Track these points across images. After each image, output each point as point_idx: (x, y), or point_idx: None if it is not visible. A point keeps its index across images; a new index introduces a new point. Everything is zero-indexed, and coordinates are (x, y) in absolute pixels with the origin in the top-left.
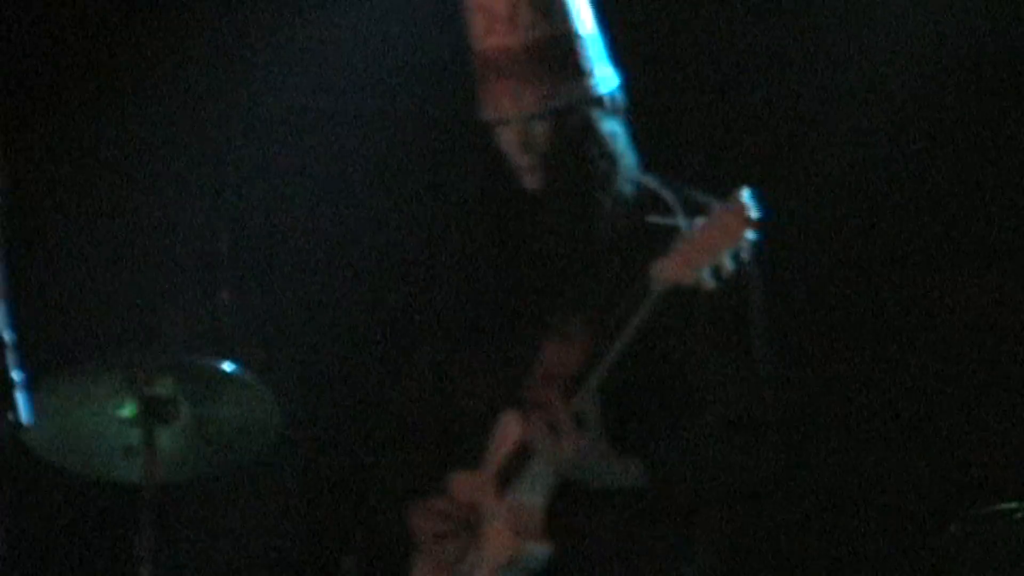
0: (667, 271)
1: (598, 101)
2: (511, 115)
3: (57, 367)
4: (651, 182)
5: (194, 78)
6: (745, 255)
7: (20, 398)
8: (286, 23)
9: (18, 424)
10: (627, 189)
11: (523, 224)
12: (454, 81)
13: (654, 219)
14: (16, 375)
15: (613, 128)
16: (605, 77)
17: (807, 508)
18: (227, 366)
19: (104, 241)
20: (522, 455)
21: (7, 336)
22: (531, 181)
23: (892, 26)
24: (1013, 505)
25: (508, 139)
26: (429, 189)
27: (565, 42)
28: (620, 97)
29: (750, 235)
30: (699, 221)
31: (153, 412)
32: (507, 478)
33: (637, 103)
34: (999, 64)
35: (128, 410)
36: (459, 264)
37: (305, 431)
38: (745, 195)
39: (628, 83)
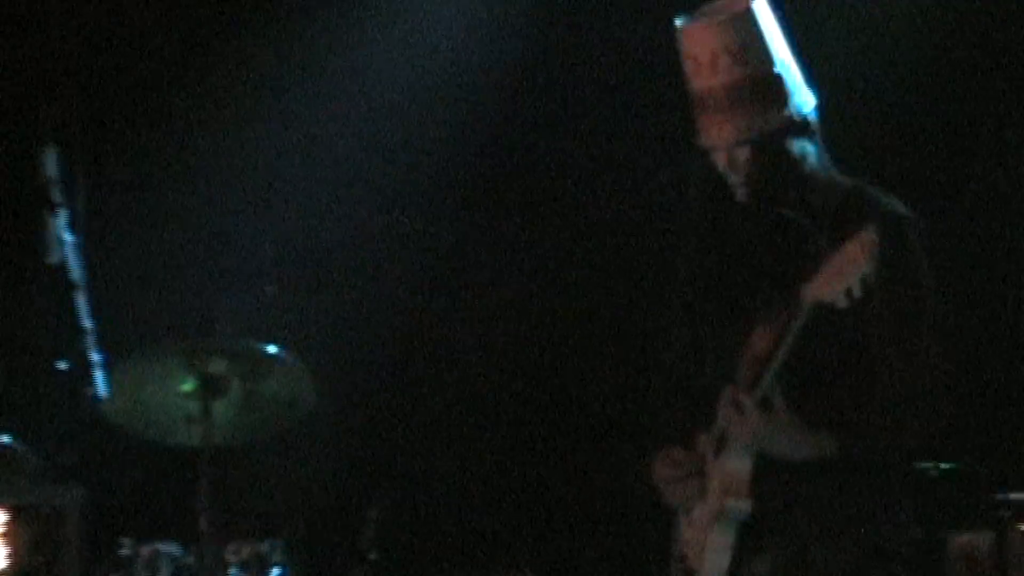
0: (814, 290)
1: (791, 126)
2: (718, 143)
3: (129, 350)
4: (854, 189)
5: (247, 105)
6: (872, 280)
7: (98, 376)
8: (328, 50)
9: (96, 398)
10: (820, 200)
11: (737, 230)
12: (480, 98)
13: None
14: (95, 356)
15: (804, 149)
16: (800, 103)
17: None
18: (271, 349)
19: (169, 243)
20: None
21: (87, 323)
22: (740, 195)
23: None
24: (928, 464)
25: (719, 162)
26: (446, 198)
27: (759, 81)
28: (814, 118)
29: (867, 267)
30: (847, 245)
31: (209, 387)
32: (721, 444)
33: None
34: None
35: (189, 385)
36: (694, 262)
37: (336, 403)
38: (872, 228)
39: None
